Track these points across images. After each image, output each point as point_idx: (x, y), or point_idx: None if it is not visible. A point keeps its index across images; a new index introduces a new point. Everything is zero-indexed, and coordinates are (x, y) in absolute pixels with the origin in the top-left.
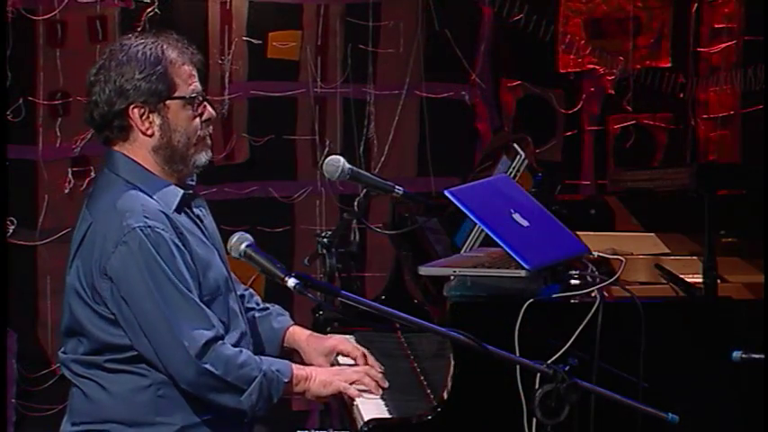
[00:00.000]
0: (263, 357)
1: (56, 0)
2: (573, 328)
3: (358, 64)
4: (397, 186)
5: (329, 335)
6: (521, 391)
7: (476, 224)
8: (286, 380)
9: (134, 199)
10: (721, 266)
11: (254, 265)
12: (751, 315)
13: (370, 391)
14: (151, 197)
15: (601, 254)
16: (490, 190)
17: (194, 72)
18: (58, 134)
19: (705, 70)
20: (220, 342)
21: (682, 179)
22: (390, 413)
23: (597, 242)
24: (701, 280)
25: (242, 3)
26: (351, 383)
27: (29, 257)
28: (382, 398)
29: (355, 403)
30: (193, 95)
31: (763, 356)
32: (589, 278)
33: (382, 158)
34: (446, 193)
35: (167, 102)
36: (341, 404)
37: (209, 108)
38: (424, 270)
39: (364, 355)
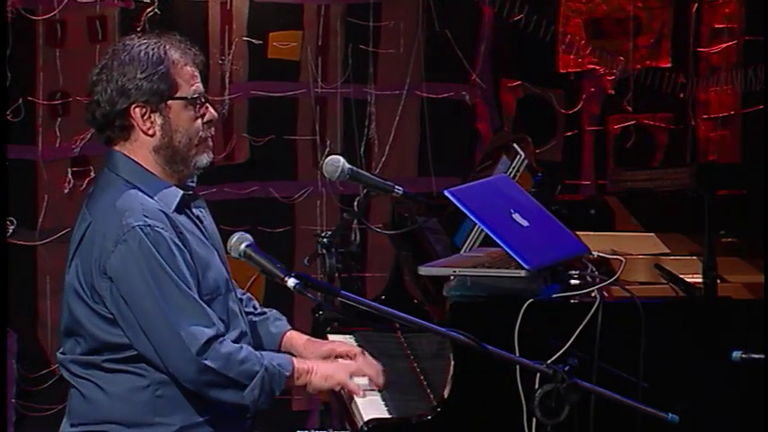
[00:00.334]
0: (263, 352)
1: (56, 0)
2: (573, 328)
3: (358, 64)
4: (396, 186)
5: (326, 339)
6: (521, 391)
7: (475, 224)
8: (287, 373)
9: (133, 198)
10: (721, 266)
11: (253, 265)
12: (751, 315)
13: (370, 387)
14: (151, 197)
15: (601, 254)
16: (490, 190)
17: (196, 73)
18: (58, 134)
19: (705, 70)
20: (221, 339)
21: (682, 179)
22: (390, 413)
23: (597, 242)
24: (700, 280)
25: (242, 3)
26: (351, 374)
27: (29, 257)
28: (382, 398)
29: (355, 403)
30: (195, 96)
31: (763, 356)
32: (589, 278)
33: (383, 159)
34: (446, 192)
35: (169, 102)
36: (341, 404)
37: (210, 109)
38: (424, 270)
39: (363, 354)
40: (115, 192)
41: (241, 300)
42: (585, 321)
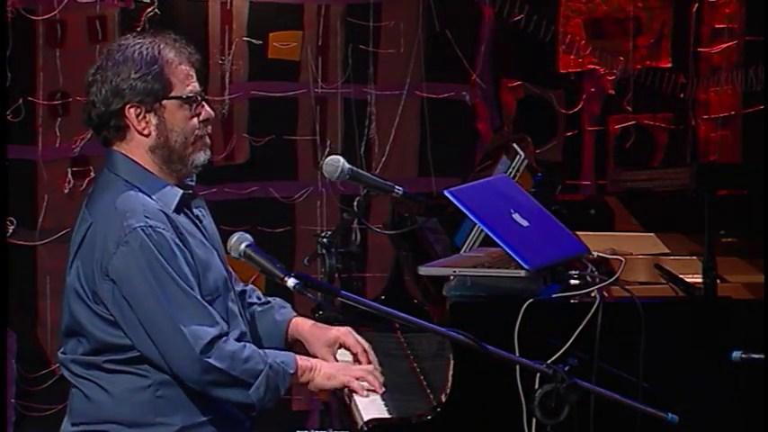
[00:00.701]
0: (266, 350)
1: (55, 0)
2: (573, 328)
3: (359, 64)
4: (396, 186)
5: (333, 326)
6: (520, 391)
7: (475, 224)
8: (292, 371)
9: (134, 199)
10: (721, 266)
11: (253, 265)
12: (751, 315)
13: (372, 390)
14: (150, 197)
15: (601, 254)
16: (490, 190)
17: (192, 72)
18: (58, 134)
19: (706, 70)
20: (224, 338)
21: (682, 179)
22: (390, 413)
23: (597, 242)
24: (700, 280)
25: (242, 3)
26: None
27: (28, 257)
28: (382, 398)
29: (355, 403)
30: (190, 95)
31: (762, 356)
32: (589, 278)
33: (383, 159)
34: (446, 192)
35: (163, 101)
36: (341, 404)
37: (207, 108)
38: (423, 270)
39: (365, 352)
40: (115, 192)
41: (244, 291)
42: (585, 321)
